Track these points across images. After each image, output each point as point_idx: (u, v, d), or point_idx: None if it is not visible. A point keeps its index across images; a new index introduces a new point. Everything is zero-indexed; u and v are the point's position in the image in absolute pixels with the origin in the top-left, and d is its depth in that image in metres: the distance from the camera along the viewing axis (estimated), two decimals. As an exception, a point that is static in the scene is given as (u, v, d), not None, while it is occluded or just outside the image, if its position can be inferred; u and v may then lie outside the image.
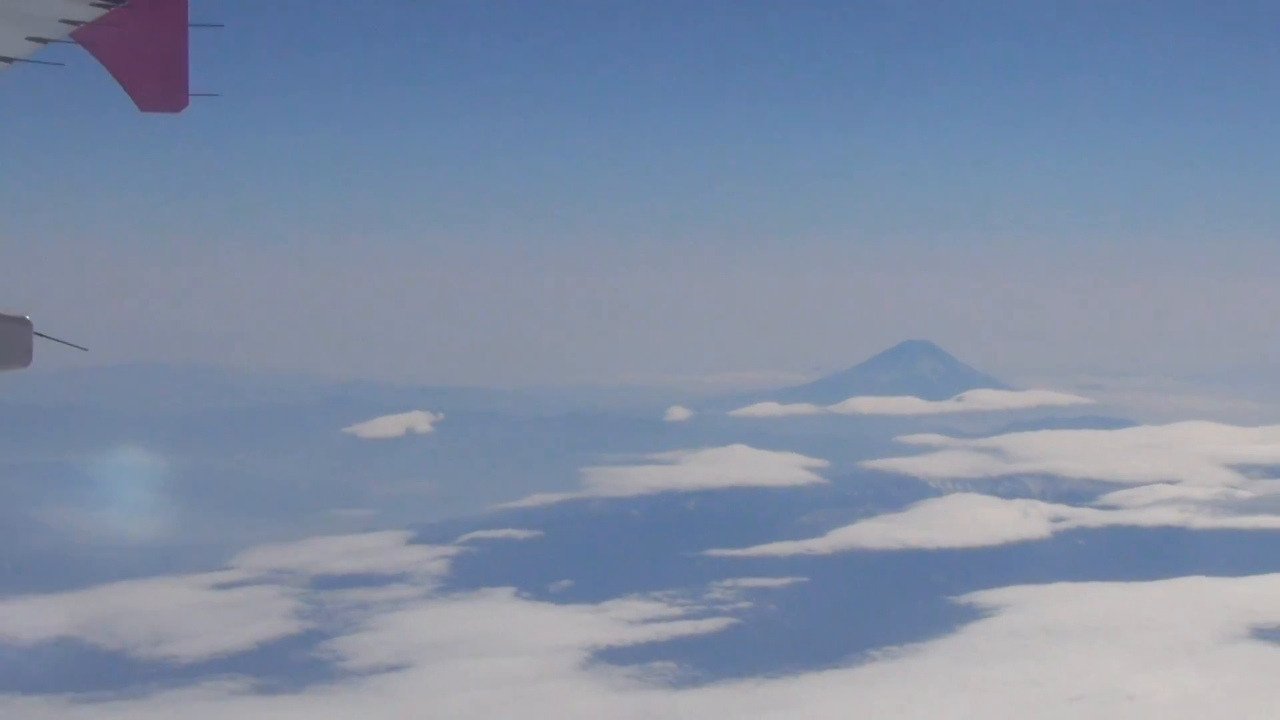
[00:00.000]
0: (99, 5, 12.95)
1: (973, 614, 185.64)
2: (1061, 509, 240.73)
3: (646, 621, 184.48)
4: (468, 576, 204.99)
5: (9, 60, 12.69)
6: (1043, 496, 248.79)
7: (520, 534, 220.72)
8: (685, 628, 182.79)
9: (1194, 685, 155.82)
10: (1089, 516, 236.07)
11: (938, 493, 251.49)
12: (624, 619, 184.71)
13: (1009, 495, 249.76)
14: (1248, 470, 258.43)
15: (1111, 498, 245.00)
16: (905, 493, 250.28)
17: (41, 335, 8.40)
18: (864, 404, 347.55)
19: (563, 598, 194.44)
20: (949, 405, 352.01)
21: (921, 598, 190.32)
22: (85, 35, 13.45)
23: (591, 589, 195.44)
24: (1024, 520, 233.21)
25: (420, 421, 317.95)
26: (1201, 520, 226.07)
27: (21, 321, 8.36)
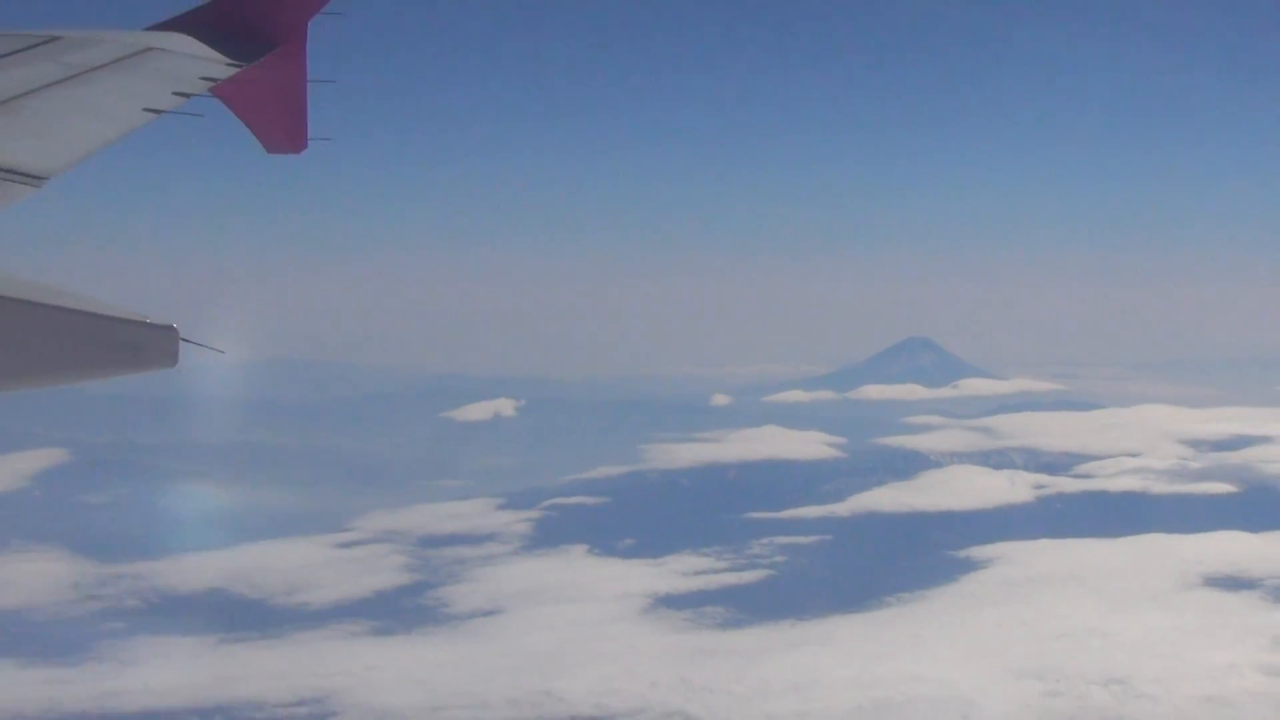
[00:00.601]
0: (232, 65, 14.98)
1: (970, 566, 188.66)
2: (1042, 478, 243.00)
3: (697, 573, 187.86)
4: (547, 536, 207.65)
5: (159, 111, 12.84)
6: (1025, 467, 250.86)
7: (590, 500, 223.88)
8: (730, 578, 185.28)
9: (1156, 624, 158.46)
10: (1065, 484, 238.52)
11: (938, 465, 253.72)
12: (679, 571, 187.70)
13: (997, 466, 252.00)
14: (1197, 445, 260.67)
15: (1083, 468, 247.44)
16: (911, 464, 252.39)
17: (186, 340, 8.26)
18: (874, 391, 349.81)
19: (627, 553, 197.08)
20: (945, 391, 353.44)
21: (927, 552, 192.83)
22: (221, 90, 14.79)
23: (651, 546, 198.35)
24: (1010, 487, 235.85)
25: (505, 407, 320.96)
26: (1159, 487, 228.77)
27: (169, 329, 8.15)
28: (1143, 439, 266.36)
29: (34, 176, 9.24)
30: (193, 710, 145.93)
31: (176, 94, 12.84)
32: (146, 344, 7.60)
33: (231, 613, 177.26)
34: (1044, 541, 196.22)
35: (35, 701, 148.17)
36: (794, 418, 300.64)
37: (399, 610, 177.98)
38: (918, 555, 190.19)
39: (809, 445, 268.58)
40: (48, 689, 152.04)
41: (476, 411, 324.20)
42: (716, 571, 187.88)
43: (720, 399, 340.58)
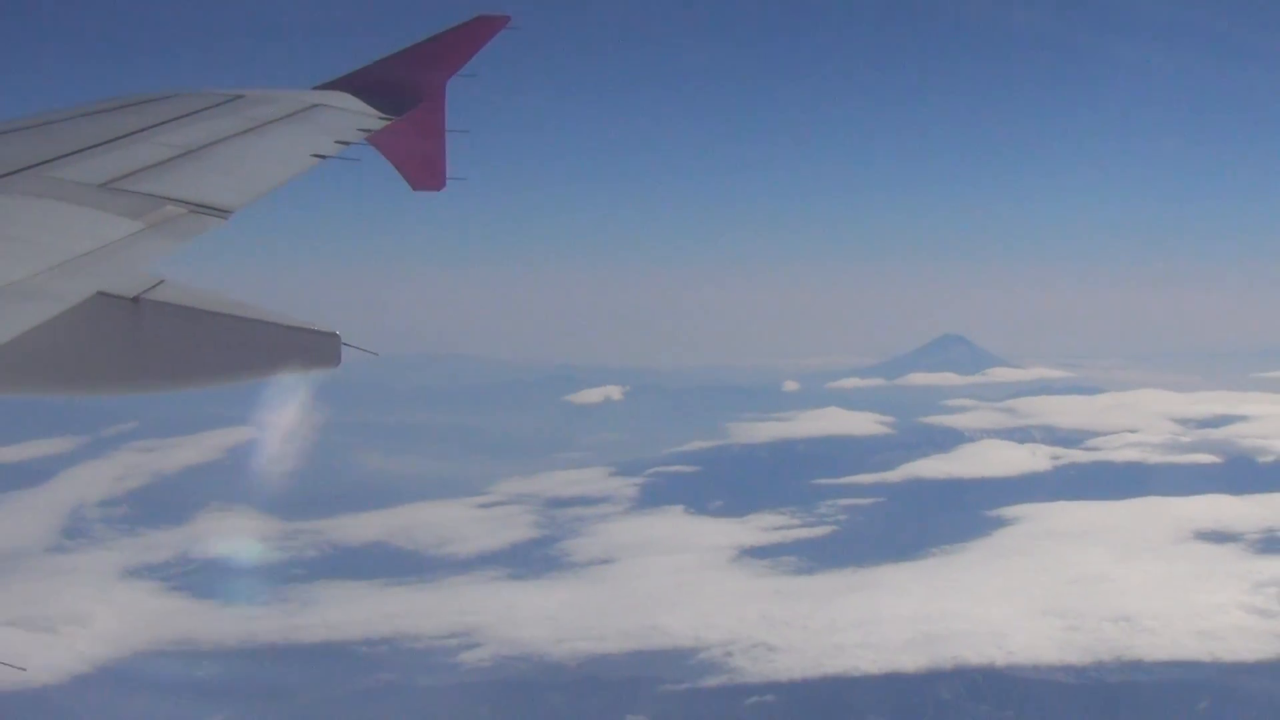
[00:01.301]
0: (383, 118, 15.08)
1: (999, 523, 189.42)
2: (1057, 450, 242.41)
3: (775, 529, 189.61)
4: (650, 498, 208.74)
5: (324, 156, 12.73)
6: (1043, 441, 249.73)
7: (685, 469, 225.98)
8: (801, 533, 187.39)
9: (1155, 571, 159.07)
10: (1076, 455, 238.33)
11: (971, 439, 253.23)
12: (759, 527, 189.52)
13: (1020, 441, 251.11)
14: (1185, 423, 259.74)
15: (1092, 442, 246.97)
16: (948, 440, 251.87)
17: (347, 345, 8.31)
18: (917, 378, 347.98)
19: (716, 513, 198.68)
20: (976, 379, 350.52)
21: (963, 512, 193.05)
22: (374, 139, 14.79)
23: (736, 507, 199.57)
24: (1031, 458, 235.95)
25: (614, 392, 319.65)
26: (1154, 458, 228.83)
27: (333, 335, 8.23)
28: (1140, 418, 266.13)
29: (222, 210, 9.58)
30: (362, 641, 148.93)
31: (338, 142, 13.34)
32: (315, 347, 8.09)
33: (393, 561, 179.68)
34: (1060, 503, 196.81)
35: (234, 634, 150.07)
36: (851, 401, 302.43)
37: (529, 559, 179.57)
38: (955, 514, 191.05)
39: (864, 424, 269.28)
40: (243, 624, 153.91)
41: (590, 396, 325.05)
42: (790, 527, 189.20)
43: (790, 385, 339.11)
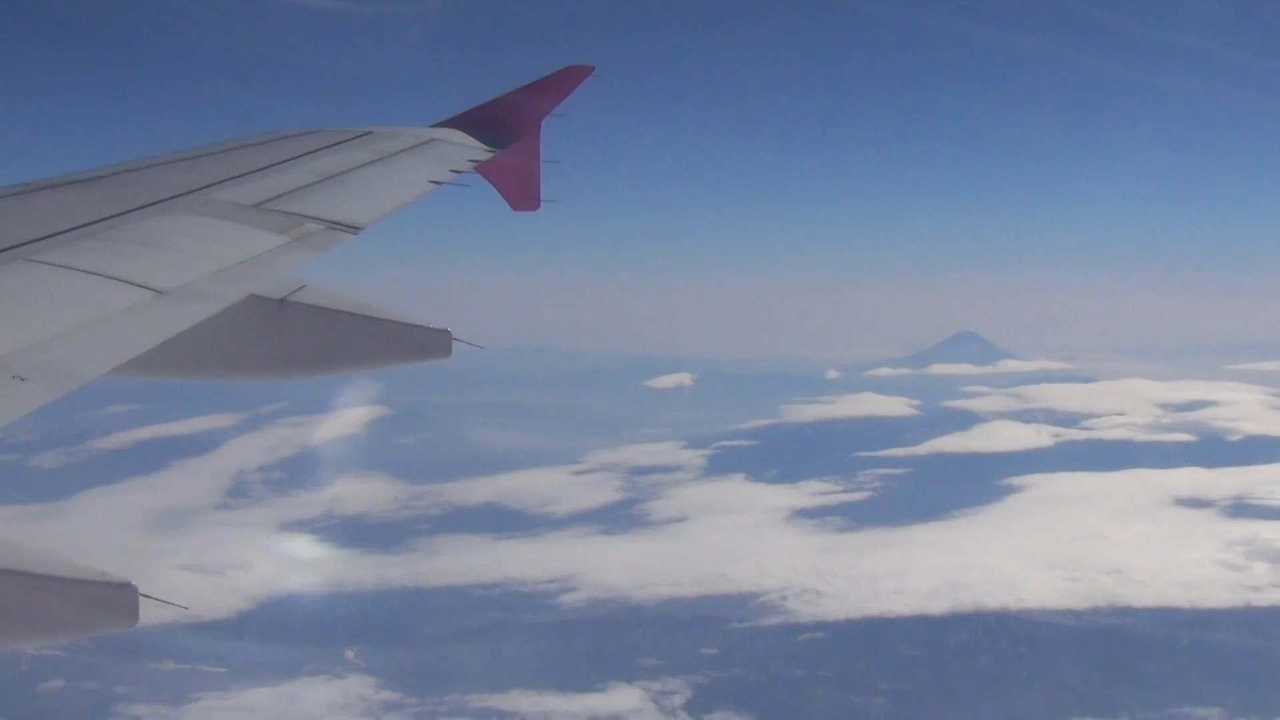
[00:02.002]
0: (488, 150, 14.95)
1: (1010, 491, 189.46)
2: (1058, 429, 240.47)
3: (821, 494, 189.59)
4: (716, 468, 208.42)
5: (439, 182, 12.64)
6: (1046, 422, 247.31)
7: (745, 443, 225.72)
8: (844, 497, 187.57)
9: (1142, 532, 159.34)
10: (1074, 434, 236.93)
11: (985, 420, 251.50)
12: (809, 493, 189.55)
13: (1026, 422, 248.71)
14: (1166, 407, 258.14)
15: (1087, 423, 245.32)
16: (966, 420, 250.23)
17: (457, 339, 8.38)
18: (939, 369, 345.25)
19: (772, 480, 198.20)
20: (988, 369, 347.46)
21: (979, 481, 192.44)
22: (480, 168, 14.61)
23: (789, 475, 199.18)
24: (1036, 436, 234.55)
25: (684, 379, 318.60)
26: (1140, 436, 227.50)
27: (444, 331, 8.29)
28: (1128, 403, 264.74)
29: (353, 226, 9.51)
30: (476, 585, 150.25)
31: (451, 170, 13.30)
32: (430, 342, 8.22)
33: (502, 518, 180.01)
34: (1060, 474, 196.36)
35: (369, 579, 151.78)
36: (884, 387, 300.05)
37: (616, 518, 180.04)
38: (972, 483, 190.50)
39: (896, 406, 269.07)
40: (377, 571, 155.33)
41: (665, 382, 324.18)
42: (834, 493, 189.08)
43: (832, 374, 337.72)
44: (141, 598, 4.71)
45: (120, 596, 4.62)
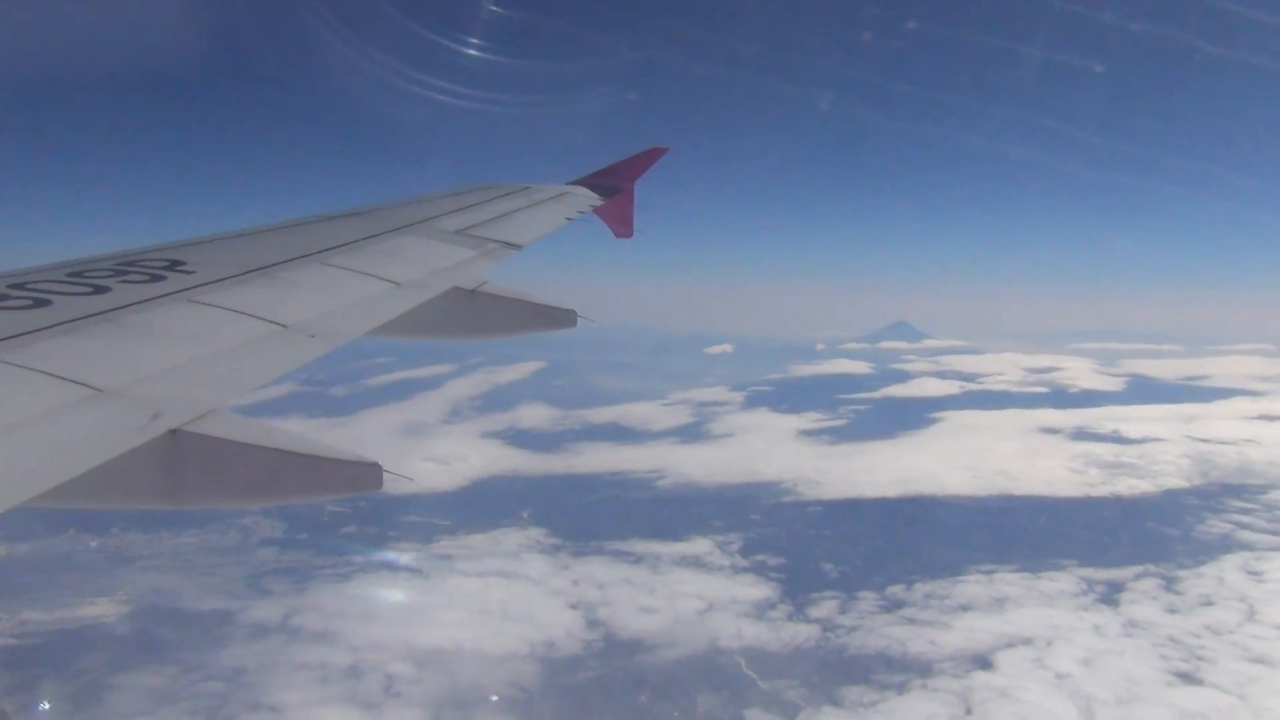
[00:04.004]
0: (601, 200, 14.17)
1: (934, 422, 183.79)
2: (962, 383, 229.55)
3: (816, 421, 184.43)
4: (750, 404, 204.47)
5: (571, 218, 11.92)
6: (955, 379, 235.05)
7: (767, 389, 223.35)
8: (830, 424, 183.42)
9: (1018, 447, 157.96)
10: (972, 387, 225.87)
11: (916, 377, 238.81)
12: (808, 420, 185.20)
13: (943, 379, 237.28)
14: (1031, 370, 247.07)
15: (980, 380, 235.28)
16: (904, 376, 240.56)
17: (582, 318, 7.85)
18: (885, 345, 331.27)
19: (784, 412, 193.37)
20: (916, 345, 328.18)
21: (919, 413, 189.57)
22: (597, 210, 13.84)
23: (796, 409, 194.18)
24: (949, 387, 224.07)
25: (727, 348, 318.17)
26: (1014, 389, 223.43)
27: (570, 311, 7.72)
28: (1006, 367, 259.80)
29: (517, 245, 9.00)
30: (603, 474, 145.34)
31: (578, 211, 12.76)
32: (560, 319, 7.75)
33: (618, 432, 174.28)
34: (965, 412, 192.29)
35: (538, 469, 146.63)
36: (852, 355, 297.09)
37: (688, 434, 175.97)
38: (910, 417, 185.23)
39: (859, 367, 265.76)
40: (543, 463, 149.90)
41: (715, 350, 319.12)
42: (824, 421, 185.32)
43: (820, 346, 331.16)
44: (385, 473, 4.69)
45: (372, 472, 4.65)
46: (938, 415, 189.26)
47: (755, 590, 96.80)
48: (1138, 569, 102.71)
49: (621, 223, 14.92)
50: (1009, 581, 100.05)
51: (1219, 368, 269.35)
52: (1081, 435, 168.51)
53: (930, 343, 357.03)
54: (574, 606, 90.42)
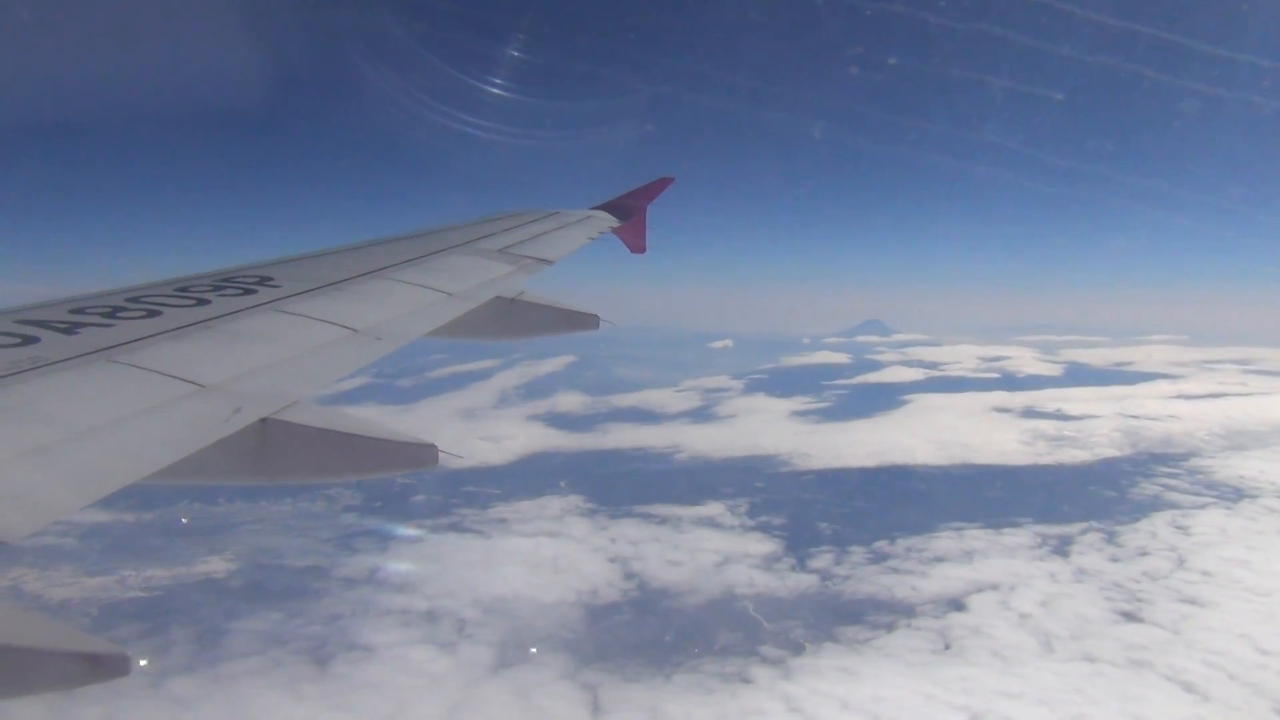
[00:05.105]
0: (618, 222, 14.18)
1: (904, 403, 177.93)
2: (927, 370, 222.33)
3: (806, 404, 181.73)
4: (749, 390, 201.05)
5: (594, 237, 11.86)
6: (920, 368, 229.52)
7: (763, 376, 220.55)
8: (817, 406, 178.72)
9: (976, 424, 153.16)
10: (935, 374, 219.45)
11: (887, 366, 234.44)
12: (799, 402, 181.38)
13: (910, 367, 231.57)
14: (984, 359, 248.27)
15: (941, 368, 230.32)
16: (877, 365, 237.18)
17: (604, 320, 7.88)
18: (860, 339, 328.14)
19: (778, 396, 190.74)
20: (887, 339, 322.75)
21: (887, 398, 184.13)
22: (615, 231, 13.89)
23: (788, 393, 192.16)
24: (915, 374, 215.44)
25: (728, 343, 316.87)
26: (969, 375, 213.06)
27: (593, 315, 7.70)
28: (962, 357, 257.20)
29: (548, 260, 8.90)
30: (629, 450, 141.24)
31: (601, 231, 12.84)
32: (586, 321, 7.68)
33: (639, 414, 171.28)
34: (929, 395, 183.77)
35: (573, 446, 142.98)
36: (833, 348, 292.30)
37: (698, 415, 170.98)
38: (889, 397, 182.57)
39: (839, 358, 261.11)
40: (577, 441, 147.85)
41: (718, 344, 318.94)
42: (812, 404, 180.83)
43: (806, 340, 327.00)
44: (440, 452, 4.61)
45: (429, 452, 4.59)
46: (907, 398, 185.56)
47: (762, 546, 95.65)
48: (1083, 525, 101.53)
49: (636, 241, 14.74)
50: (975, 537, 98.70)
51: (1141, 355, 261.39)
52: (1029, 413, 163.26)
53: (899, 337, 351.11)
54: (612, 561, 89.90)
